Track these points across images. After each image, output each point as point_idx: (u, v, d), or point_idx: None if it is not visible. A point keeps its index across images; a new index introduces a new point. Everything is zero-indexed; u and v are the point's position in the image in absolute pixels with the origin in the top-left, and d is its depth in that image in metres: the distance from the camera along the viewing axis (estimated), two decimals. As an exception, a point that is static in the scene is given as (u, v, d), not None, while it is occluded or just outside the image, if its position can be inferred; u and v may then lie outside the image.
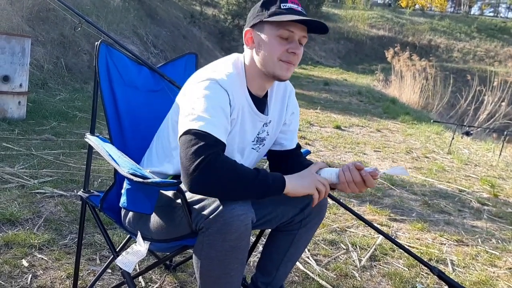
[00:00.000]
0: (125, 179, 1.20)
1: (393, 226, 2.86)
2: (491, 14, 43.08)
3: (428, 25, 27.35)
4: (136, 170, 1.18)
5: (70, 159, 3.45)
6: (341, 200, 1.85)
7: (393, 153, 5.24)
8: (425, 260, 1.94)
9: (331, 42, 24.26)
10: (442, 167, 4.76)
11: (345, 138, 5.88)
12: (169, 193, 1.33)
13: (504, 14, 45.63)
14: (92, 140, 1.47)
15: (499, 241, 2.80)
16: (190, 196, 1.21)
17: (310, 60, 21.06)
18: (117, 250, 1.52)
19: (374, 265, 2.26)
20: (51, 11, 7.48)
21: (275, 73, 1.31)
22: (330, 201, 2.55)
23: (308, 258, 2.24)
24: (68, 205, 2.53)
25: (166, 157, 1.39)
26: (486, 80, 10.58)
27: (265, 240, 1.63)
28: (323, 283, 1.99)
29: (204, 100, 1.22)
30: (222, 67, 1.32)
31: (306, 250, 2.26)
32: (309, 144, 5.22)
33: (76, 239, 2.04)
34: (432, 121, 7.52)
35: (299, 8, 1.28)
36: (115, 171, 1.51)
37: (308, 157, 1.62)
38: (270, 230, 1.59)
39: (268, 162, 1.59)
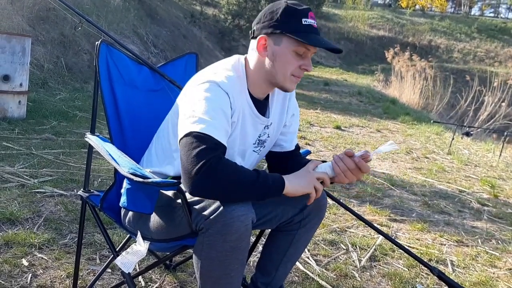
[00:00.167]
0: (125, 178, 1.20)
1: (393, 227, 2.86)
2: (492, 14, 43.10)
3: (428, 26, 27.34)
4: (136, 170, 1.18)
5: (70, 158, 3.45)
6: (341, 200, 1.85)
7: (393, 154, 5.24)
8: (425, 260, 1.93)
9: (331, 42, 24.22)
10: (442, 168, 4.76)
11: (345, 138, 5.88)
12: (169, 193, 1.33)
13: (505, 14, 45.65)
14: (92, 139, 1.47)
15: (499, 241, 2.80)
16: (190, 196, 1.21)
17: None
18: (117, 249, 1.52)
19: (374, 266, 2.26)
20: (52, 10, 7.48)
21: (283, 86, 1.32)
22: (330, 201, 2.55)
23: (308, 258, 2.24)
24: (68, 205, 2.53)
25: (167, 159, 1.39)
26: (486, 81, 10.59)
27: (265, 240, 1.63)
28: (323, 283, 1.99)
29: (205, 102, 1.21)
30: (223, 70, 1.32)
31: (306, 250, 2.26)
32: (309, 144, 5.23)
33: (76, 239, 2.04)
34: (432, 121, 7.52)
35: (315, 24, 1.29)
36: (115, 170, 1.51)
37: (308, 157, 1.62)
38: (270, 230, 1.59)
39: (266, 163, 1.59)
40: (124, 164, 1.23)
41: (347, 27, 25.73)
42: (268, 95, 1.43)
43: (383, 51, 16.01)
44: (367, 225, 1.81)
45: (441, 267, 2.32)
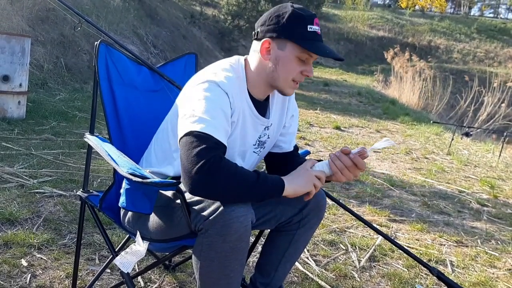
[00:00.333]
0: (125, 179, 1.20)
1: (392, 227, 2.86)
2: (491, 15, 43.14)
3: (428, 26, 27.37)
4: (136, 170, 1.18)
5: (70, 159, 3.45)
6: (340, 201, 1.85)
7: (392, 154, 5.24)
8: (425, 260, 1.93)
9: (331, 42, 24.25)
10: (441, 168, 4.76)
11: (345, 138, 5.88)
12: (169, 193, 1.33)
13: (504, 15, 45.68)
14: (91, 140, 1.47)
15: (499, 242, 2.80)
16: (189, 196, 1.21)
17: (310, 61, 21.04)
18: (116, 250, 1.51)
19: (374, 266, 2.26)
20: (51, 11, 7.48)
21: (283, 90, 1.33)
22: (329, 201, 2.56)
23: (308, 259, 2.24)
24: (68, 205, 2.52)
25: (166, 159, 1.39)
26: (485, 81, 10.59)
27: (264, 240, 1.63)
28: (322, 283, 1.99)
29: (205, 101, 1.21)
30: (222, 70, 1.31)
31: (305, 250, 2.26)
32: (308, 145, 5.23)
33: (75, 239, 2.04)
34: (431, 122, 7.52)
35: (319, 31, 1.29)
36: (115, 171, 1.51)
37: (307, 157, 1.62)
38: (269, 230, 1.59)
39: (265, 164, 1.60)
40: (123, 164, 1.23)
41: (346, 28, 25.75)
42: (268, 96, 1.43)
43: (383, 51, 16.03)
44: (366, 226, 1.81)
45: (440, 268, 2.32)
